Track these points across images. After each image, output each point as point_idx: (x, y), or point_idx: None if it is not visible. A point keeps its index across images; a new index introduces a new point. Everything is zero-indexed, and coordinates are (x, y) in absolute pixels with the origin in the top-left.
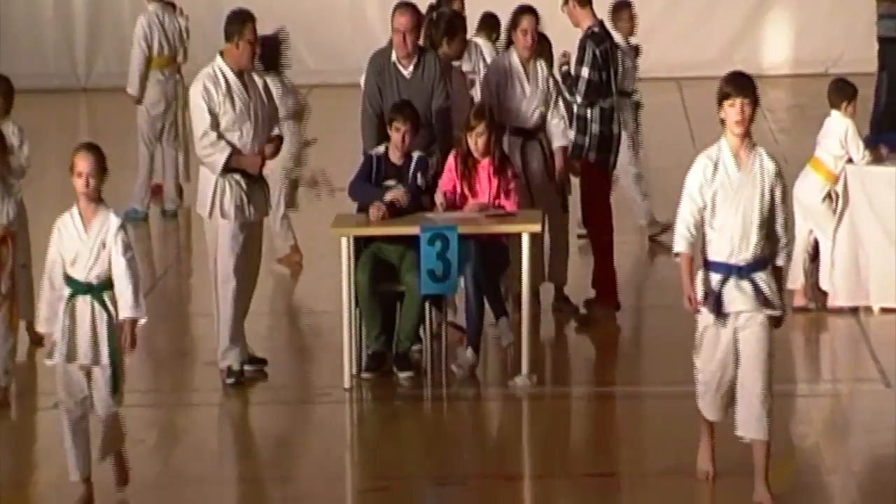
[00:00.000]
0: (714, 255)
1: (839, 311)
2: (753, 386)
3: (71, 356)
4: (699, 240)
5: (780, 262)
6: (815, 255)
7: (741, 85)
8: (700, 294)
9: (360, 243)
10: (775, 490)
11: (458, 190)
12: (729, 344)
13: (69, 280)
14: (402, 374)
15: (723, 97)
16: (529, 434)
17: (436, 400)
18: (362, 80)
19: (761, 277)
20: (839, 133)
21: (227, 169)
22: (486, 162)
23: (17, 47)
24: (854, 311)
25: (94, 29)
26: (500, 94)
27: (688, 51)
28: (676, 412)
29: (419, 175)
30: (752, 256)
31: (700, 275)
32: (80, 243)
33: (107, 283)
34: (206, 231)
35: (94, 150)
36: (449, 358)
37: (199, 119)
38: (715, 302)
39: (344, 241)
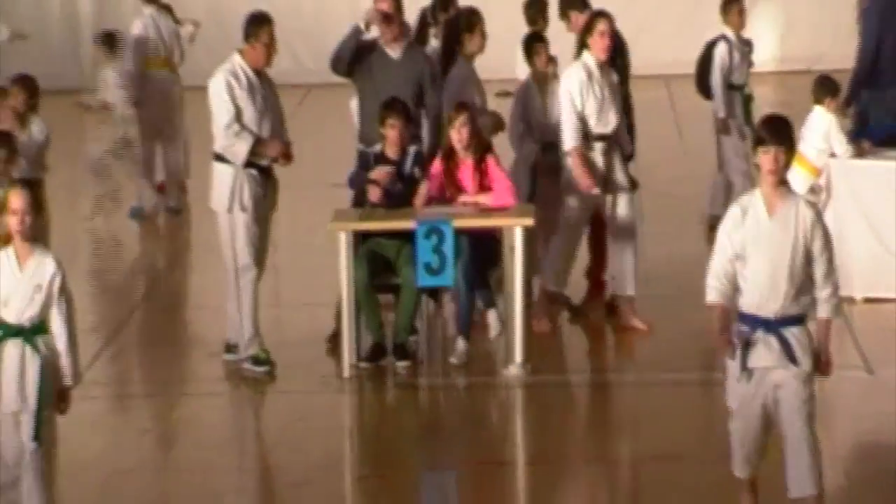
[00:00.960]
0: (744, 306)
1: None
2: (800, 443)
3: None
4: (732, 290)
5: (823, 313)
6: None
7: (778, 132)
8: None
9: (358, 238)
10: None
11: (444, 187)
12: (756, 400)
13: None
14: (400, 364)
15: (758, 143)
16: (523, 422)
17: (432, 389)
18: None
19: (792, 332)
20: (823, 128)
21: (245, 162)
22: (469, 161)
23: (24, 47)
24: None
25: (99, 30)
26: (583, 101)
27: (675, 49)
28: (668, 399)
29: (416, 169)
30: (782, 308)
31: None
32: (14, 283)
33: (40, 327)
34: (221, 225)
35: (28, 186)
36: (445, 348)
37: (224, 111)
38: (741, 356)
39: (343, 235)
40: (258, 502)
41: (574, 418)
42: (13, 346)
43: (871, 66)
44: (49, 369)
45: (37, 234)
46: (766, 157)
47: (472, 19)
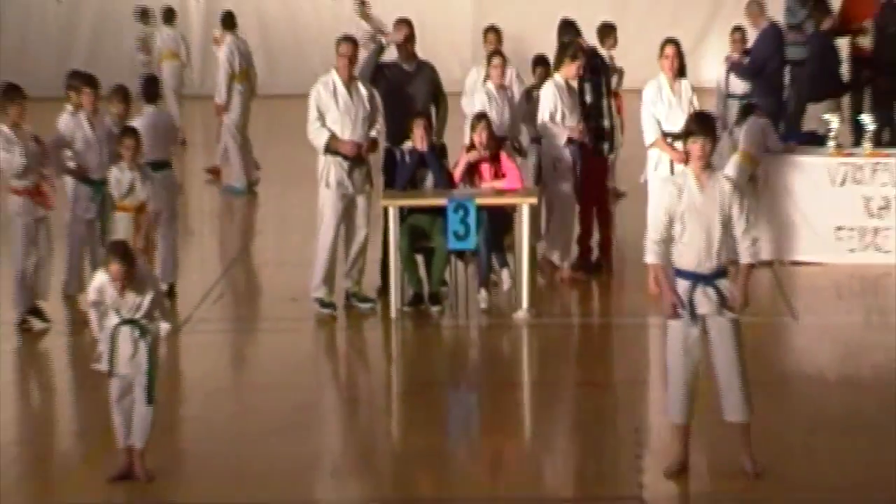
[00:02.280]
0: (684, 265)
1: (759, 262)
2: (731, 378)
3: (115, 368)
4: (668, 251)
5: (744, 259)
6: None
7: (704, 127)
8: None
9: (398, 212)
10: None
11: (467, 174)
12: (696, 343)
13: (117, 312)
14: (434, 308)
15: (688, 134)
16: (529, 353)
17: (459, 327)
18: None
19: (723, 284)
20: (759, 130)
21: (331, 151)
22: (486, 155)
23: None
24: (770, 263)
25: (206, 48)
26: (654, 107)
27: (652, 67)
28: (637, 336)
29: (443, 159)
30: (716, 265)
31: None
32: (118, 303)
33: (145, 314)
34: (320, 196)
35: (122, 255)
36: (468, 297)
37: (310, 112)
38: (689, 306)
39: (392, 209)
40: (327, 413)
41: (568, 351)
42: (126, 330)
43: (752, 77)
44: (154, 343)
45: (136, 282)
46: (695, 146)
47: (577, 53)
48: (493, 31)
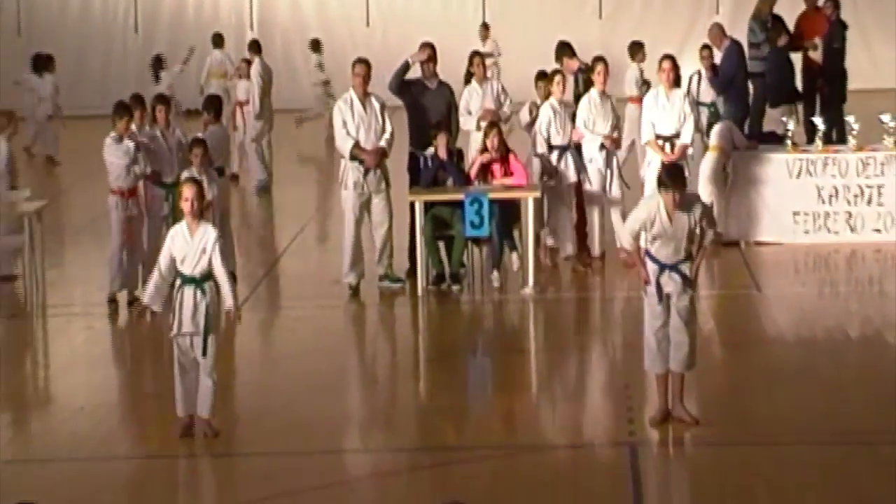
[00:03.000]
0: (655, 254)
1: (728, 243)
2: (683, 340)
3: (180, 328)
4: (638, 240)
5: (705, 243)
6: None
7: (675, 179)
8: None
9: (423, 205)
10: None
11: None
12: (664, 312)
13: (180, 274)
14: (454, 287)
15: (660, 184)
16: (535, 323)
17: (475, 302)
18: None
19: (685, 267)
20: (727, 130)
21: (352, 157)
22: (497, 156)
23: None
24: (737, 243)
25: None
26: (651, 113)
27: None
28: (627, 309)
29: (460, 163)
30: (682, 257)
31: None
32: (187, 247)
33: (206, 275)
34: (341, 197)
35: (195, 182)
36: (484, 277)
37: (336, 122)
38: (656, 288)
39: (418, 204)
40: (364, 376)
41: (568, 321)
42: (189, 290)
43: (723, 89)
44: (213, 305)
45: (203, 212)
46: (667, 197)
47: (592, 66)
48: (477, 55)
